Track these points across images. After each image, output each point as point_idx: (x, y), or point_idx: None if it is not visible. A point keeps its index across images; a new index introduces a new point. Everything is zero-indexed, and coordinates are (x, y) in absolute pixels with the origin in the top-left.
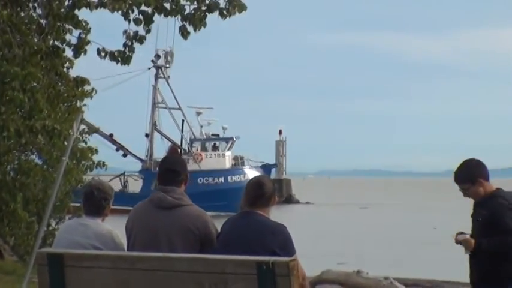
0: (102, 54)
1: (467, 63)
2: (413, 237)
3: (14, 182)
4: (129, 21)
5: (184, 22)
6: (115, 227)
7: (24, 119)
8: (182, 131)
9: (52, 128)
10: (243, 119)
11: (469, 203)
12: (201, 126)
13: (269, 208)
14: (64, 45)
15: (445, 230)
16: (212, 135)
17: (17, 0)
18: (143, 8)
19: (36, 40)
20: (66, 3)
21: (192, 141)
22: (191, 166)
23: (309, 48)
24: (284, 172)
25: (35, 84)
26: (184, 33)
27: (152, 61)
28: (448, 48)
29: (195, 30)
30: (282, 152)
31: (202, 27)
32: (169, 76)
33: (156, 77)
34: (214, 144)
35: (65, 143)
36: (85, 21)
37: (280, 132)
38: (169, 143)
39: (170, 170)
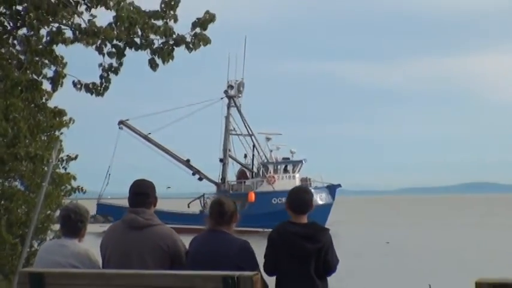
0: (78, 86)
1: (416, 89)
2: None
3: None
4: (103, 54)
5: (153, 55)
6: None
7: (8, 147)
8: (253, 156)
9: (35, 154)
10: None
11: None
12: (271, 151)
13: (232, 225)
14: (42, 78)
15: (397, 243)
16: (283, 158)
17: None
18: (115, 42)
19: (16, 74)
20: (44, 39)
21: (264, 165)
22: (265, 188)
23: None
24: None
25: (16, 115)
26: (153, 65)
27: (225, 92)
28: (399, 75)
29: (163, 62)
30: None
31: (170, 60)
32: (240, 105)
33: (229, 106)
34: (285, 167)
35: (45, 169)
36: (61, 56)
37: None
38: (240, 167)
39: (140, 193)
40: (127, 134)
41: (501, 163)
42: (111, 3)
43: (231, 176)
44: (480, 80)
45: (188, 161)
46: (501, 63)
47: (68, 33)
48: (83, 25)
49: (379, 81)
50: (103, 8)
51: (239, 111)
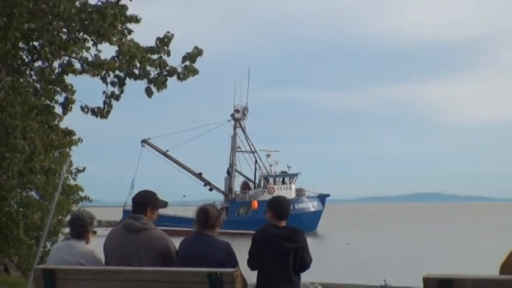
0: (86, 110)
1: (381, 112)
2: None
3: (17, 213)
4: (107, 83)
5: (149, 84)
6: None
7: (25, 162)
8: (255, 169)
9: (48, 167)
10: None
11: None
12: (271, 165)
13: (216, 229)
14: (54, 103)
15: (355, 244)
16: (281, 172)
17: (17, 69)
18: (117, 73)
19: (32, 100)
20: (56, 70)
21: (265, 177)
22: (266, 197)
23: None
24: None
25: (32, 134)
26: (149, 93)
27: (232, 115)
28: (367, 100)
29: (158, 90)
30: (232, 184)
31: (164, 88)
32: (245, 126)
33: (235, 127)
34: (283, 179)
35: (57, 180)
36: (71, 85)
37: (233, 165)
38: (244, 179)
39: (138, 202)
40: (148, 150)
41: (450, 176)
42: (114, 40)
43: (237, 187)
44: (434, 105)
45: (200, 174)
46: (451, 91)
47: (77, 65)
48: (90, 58)
49: (351, 106)
50: (107, 43)
51: (244, 132)
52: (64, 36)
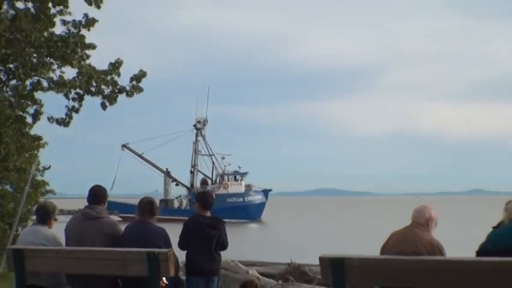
0: (51, 120)
1: (288, 124)
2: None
3: None
4: (69, 99)
5: (103, 100)
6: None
7: (1, 162)
8: (213, 169)
9: (20, 166)
10: None
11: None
12: (225, 166)
13: (154, 217)
14: (26, 114)
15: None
16: (234, 171)
17: None
18: (77, 90)
19: (8, 111)
20: (28, 88)
21: (221, 175)
22: (222, 191)
23: None
24: (169, 195)
25: (7, 139)
26: (103, 106)
27: (194, 125)
28: (282, 114)
29: (110, 105)
30: (168, 182)
31: (115, 103)
32: (205, 134)
33: (197, 135)
34: (235, 177)
35: (27, 177)
36: (40, 99)
37: (167, 169)
38: (203, 177)
39: (95, 195)
40: (127, 153)
41: (344, 174)
42: (75, 63)
43: (197, 183)
44: (328, 119)
45: (168, 172)
46: (341, 108)
47: (45, 83)
48: (55, 78)
49: (271, 118)
50: (69, 66)
51: (204, 139)
52: (34, 60)
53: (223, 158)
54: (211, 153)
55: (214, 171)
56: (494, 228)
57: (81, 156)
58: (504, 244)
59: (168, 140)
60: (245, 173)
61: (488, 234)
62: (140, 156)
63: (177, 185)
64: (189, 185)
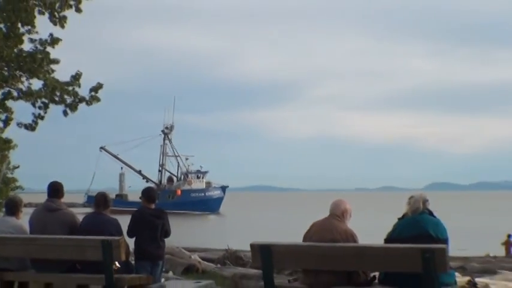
0: (20, 125)
1: (233, 130)
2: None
3: None
4: (35, 107)
5: (66, 108)
6: None
7: None
8: (178, 168)
9: None
10: None
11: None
12: (188, 165)
13: (108, 209)
14: None
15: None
16: (196, 170)
17: None
18: (43, 100)
19: None
20: (0, 97)
21: (185, 174)
22: (186, 187)
23: None
24: (124, 190)
25: None
26: (65, 114)
27: (162, 131)
28: (224, 121)
29: (72, 112)
30: (123, 179)
31: (76, 111)
32: (171, 138)
33: (164, 139)
34: (197, 175)
35: None
36: (10, 107)
37: (122, 168)
38: (169, 175)
39: (56, 189)
40: (105, 154)
41: (277, 173)
42: (41, 76)
43: (164, 180)
44: (266, 125)
45: (140, 171)
46: (276, 115)
47: (15, 93)
48: (24, 89)
49: (217, 125)
50: (36, 78)
51: (170, 142)
52: (6, 73)
53: (187, 158)
54: (176, 154)
55: (179, 170)
56: (399, 219)
57: (60, 156)
58: (407, 233)
59: (140, 142)
60: (206, 172)
61: (394, 224)
62: (116, 157)
63: (147, 181)
64: (157, 182)
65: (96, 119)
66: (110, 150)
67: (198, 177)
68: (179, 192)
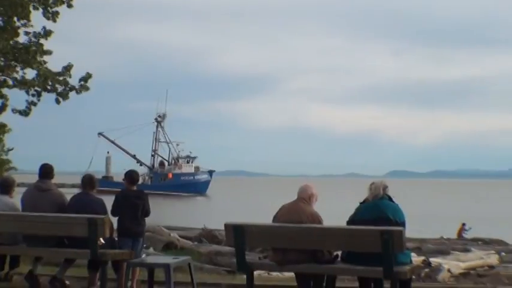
0: (15, 111)
1: (214, 120)
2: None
3: None
4: (29, 95)
5: (57, 96)
6: None
7: None
8: (169, 153)
9: None
10: None
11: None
12: (179, 151)
13: (94, 190)
14: None
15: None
16: (186, 155)
17: None
18: (36, 88)
19: None
20: None
21: (176, 158)
22: (177, 171)
23: None
24: (110, 172)
25: None
26: (58, 101)
27: (155, 119)
28: (206, 111)
29: (63, 100)
30: (109, 162)
31: (67, 99)
32: (164, 126)
33: (157, 126)
34: (187, 160)
35: None
36: (6, 94)
37: (108, 152)
38: (161, 159)
39: (46, 172)
40: (103, 140)
41: (249, 159)
42: (35, 66)
43: (157, 164)
44: (244, 115)
45: (135, 155)
46: (254, 106)
47: (10, 82)
48: (18, 78)
49: (199, 115)
50: (30, 69)
51: (162, 129)
52: (2, 63)
53: (177, 144)
54: (168, 140)
55: (170, 155)
56: (361, 203)
57: (60, 141)
58: (368, 216)
59: (136, 129)
60: (195, 157)
61: (356, 208)
62: (113, 142)
63: (141, 165)
64: (150, 166)
65: (91, 107)
66: (108, 136)
67: (187, 162)
68: (170, 175)
